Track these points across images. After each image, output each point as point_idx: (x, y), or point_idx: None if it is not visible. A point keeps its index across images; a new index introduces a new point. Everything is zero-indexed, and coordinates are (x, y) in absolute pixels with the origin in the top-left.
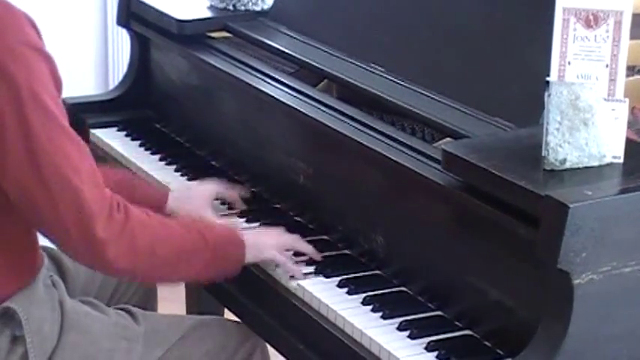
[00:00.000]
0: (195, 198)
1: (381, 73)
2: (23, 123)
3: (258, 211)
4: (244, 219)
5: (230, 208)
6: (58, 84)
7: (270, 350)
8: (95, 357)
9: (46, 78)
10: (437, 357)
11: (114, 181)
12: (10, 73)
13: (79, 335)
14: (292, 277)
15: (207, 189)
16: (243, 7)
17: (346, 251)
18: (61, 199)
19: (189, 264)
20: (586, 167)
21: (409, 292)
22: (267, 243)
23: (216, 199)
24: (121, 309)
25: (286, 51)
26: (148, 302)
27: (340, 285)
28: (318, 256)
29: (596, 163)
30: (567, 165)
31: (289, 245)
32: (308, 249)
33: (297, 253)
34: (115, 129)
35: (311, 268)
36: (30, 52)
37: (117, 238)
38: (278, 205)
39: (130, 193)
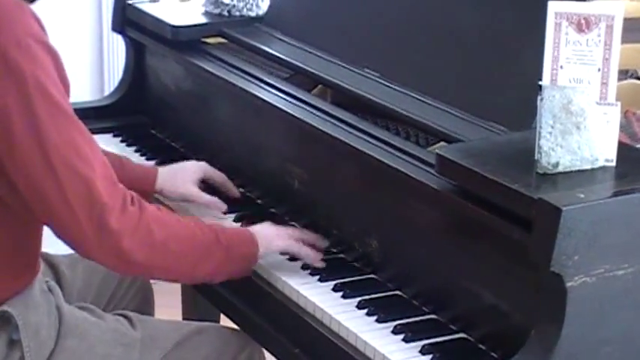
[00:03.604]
0: (181, 175)
1: (376, 78)
2: (31, 115)
3: (252, 216)
4: (239, 224)
5: (224, 213)
6: (64, 80)
7: (267, 355)
8: None
9: (51, 71)
10: None
11: None
12: (16, 65)
13: (76, 341)
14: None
15: (194, 166)
16: (238, 13)
17: (341, 255)
18: (73, 191)
19: (203, 262)
20: (579, 170)
21: (404, 295)
22: (274, 234)
23: (204, 182)
24: (119, 314)
25: (281, 56)
26: (145, 308)
27: (335, 289)
28: (323, 243)
29: (588, 167)
30: (560, 168)
31: (297, 235)
32: (314, 238)
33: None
34: (110, 135)
35: (306, 272)
36: (36, 45)
37: (132, 230)
38: (273, 210)
39: (119, 172)
